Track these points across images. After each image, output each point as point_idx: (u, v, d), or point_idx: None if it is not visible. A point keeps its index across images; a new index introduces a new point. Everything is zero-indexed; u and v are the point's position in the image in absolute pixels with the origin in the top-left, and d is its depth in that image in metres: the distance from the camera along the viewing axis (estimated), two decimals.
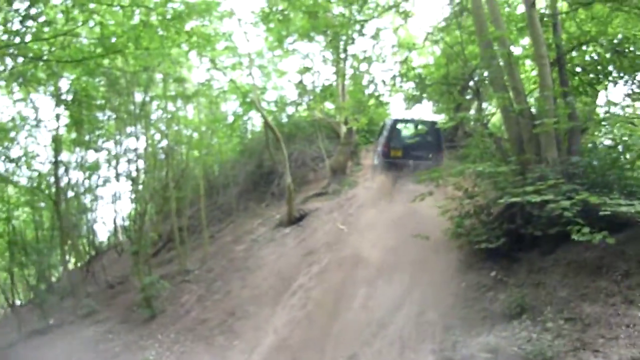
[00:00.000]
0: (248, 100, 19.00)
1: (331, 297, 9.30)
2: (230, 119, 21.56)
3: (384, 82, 11.31)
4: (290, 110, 21.73)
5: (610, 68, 8.93)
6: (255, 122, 22.85)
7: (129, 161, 17.82)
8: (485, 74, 9.34)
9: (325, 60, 16.57)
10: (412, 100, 12.53)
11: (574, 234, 6.01)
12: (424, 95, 12.70)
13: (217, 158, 21.38)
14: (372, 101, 12.88)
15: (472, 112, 15.13)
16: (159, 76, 16.50)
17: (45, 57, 11.37)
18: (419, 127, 14.36)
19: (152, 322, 12.03)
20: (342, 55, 14.72)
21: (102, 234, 23.23)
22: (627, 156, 7.31)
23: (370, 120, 18.39)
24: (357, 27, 12.54)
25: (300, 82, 20.12)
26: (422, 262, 8.57)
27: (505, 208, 7.86)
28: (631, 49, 8.43)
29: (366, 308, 8.50)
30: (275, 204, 17.47)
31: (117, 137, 18.21)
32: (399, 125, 14.78)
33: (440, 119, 16.34)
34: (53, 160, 16.25)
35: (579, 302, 5.89)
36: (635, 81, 8.73)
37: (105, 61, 13.23)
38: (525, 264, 7.22)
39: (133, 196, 18.36)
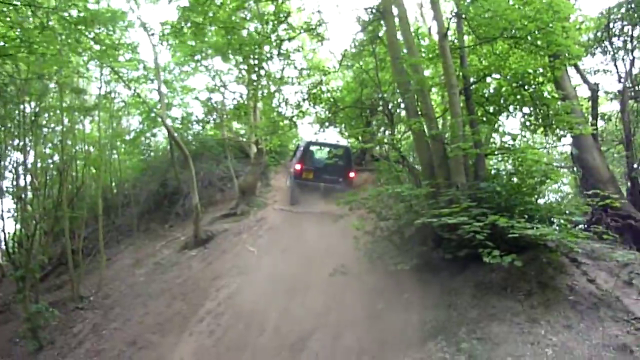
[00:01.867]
0: (152, 115, 18.31)
1: (242, 322, 9.01)
2: (132, 134, 20.64)
3: (298, 103, 11.32)
4: (196, 128, 21.30)
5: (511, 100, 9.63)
6: (159, 139, 22.11)
7: (15, 177, 16.27)
8: (400, 99, 9.69)
9: (240, 79, 16.40)
10: (323, 122, 12.74)
11: (485, 256, 6.30)
12: (336, 118, 12.99)
13: (116, 176, 20.27)
14: (284, 122, 12.90)
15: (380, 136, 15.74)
16: (54, 86, 15.37)
17: None
18: (333, 150, 14.69)
19: (38, 356, 10.85)
20: (255, 76, 14.66)
21: None
22: (528, 182, 7.86)
23: (280, 142, 18.53)
24: (272, 46, 12.55)
25: (209, 99, 19.80)
26: (336, 285, 8.58)
27: (416, 231, 8.10)
28: (531, 83, 9.17)
29: (279, 333, 8.31)
30: (180, 225, 16.82)
31: (2, 150, 16.58)
32: (313, 148, 15.05)
33: (348, 143, 16.83)
34: None
35: (488, 322, 6.14)
36: (533, 112, 9.50)
37: None
38: (436, 285, 7.47)
39: (18, 215, 16.74)
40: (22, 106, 14.53)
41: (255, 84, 13.34)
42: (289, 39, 12.55)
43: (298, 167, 14.54)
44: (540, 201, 9.26)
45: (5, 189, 16.50)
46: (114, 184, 20.70)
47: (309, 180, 14.38)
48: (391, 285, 7.92)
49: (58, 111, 15.65)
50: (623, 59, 11.76)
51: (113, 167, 19.66)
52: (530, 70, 9.38)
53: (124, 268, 14.61)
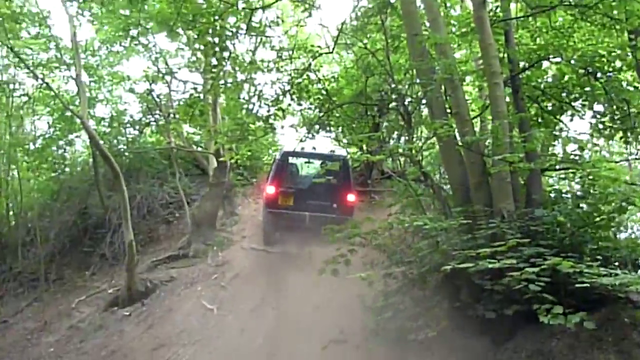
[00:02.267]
0: (68, 114, 18.30)
1: None
2: (40, 142, 20.60)
3: (276, 97, 11.39)
4: (132, 132, 21.31)
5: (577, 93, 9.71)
6: (78, 148, 22.10)
7: None
8: (420, 93, 9.77)
9: (194, 63, 16.47)
10: (312, 125, 12.77)
11: (542, 315, 6.28)
12: (331, 119, 13.03)
13: (15, 201, 20.16)
14: (257, 124, 12.90)
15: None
16: None
17: None
18: (324, 164, 14.44)
19: None
20: (215, 59, 14.71)
21: None
22: (603, 210, 7.88)
23: (251, 152, 18.55)
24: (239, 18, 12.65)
25: (149, 92, 19.79)
26: (331, 358, 8.54)
27: (445, 280, 8.10)
28: (605, 70, 9.24)
29: None
30: (106, 272, 16.76)
31: None
32: (293, 160, 14.88)
33: (347, 153, 16.80)
34: None
35: None
36: (608, 111, 9.58)
37: None
38: (473, 356, 7.45)
39: None
40: None
41: (215, 70, 13.35)
42: (263, 8, 12.65)
43: (271, 190, 14.15)
44: (621, 236, 9.30)
45: None
46: (11, 212, 20.57)
47: (288, 209, 13.99)
48: (411, 357, 7.91)
49: None
50: None
51: (11, 188, 19.57)
52: (603, 52, 9.48)
53: (25, 334, 14.48)
